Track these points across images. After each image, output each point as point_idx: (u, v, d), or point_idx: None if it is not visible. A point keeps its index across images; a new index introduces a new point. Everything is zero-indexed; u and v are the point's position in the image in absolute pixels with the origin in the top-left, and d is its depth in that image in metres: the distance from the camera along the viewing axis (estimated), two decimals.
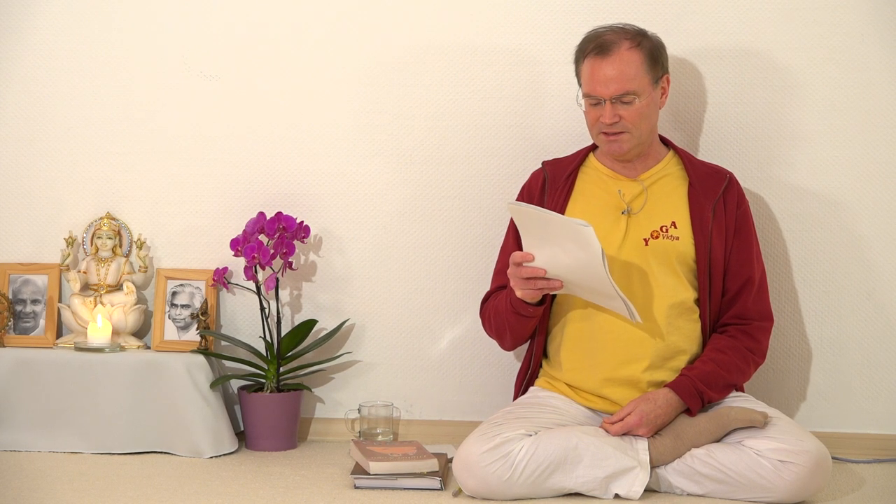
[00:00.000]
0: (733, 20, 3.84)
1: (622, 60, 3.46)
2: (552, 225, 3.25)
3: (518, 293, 3.38)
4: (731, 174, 3.59)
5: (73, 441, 3.78)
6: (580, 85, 3.56)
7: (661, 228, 3.46)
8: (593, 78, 3.48)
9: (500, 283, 3.62)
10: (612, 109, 3.46)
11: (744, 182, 3.74)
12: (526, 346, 3.65)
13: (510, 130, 3.92)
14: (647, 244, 3.44)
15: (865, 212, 3.80)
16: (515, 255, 3.34)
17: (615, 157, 3.55)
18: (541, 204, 3.58)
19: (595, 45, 3.50)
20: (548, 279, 3.32)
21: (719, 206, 3.49)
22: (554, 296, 3.55)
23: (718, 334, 3.49)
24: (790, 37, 3.82)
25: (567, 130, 3.82)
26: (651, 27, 3.58)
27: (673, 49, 3.72)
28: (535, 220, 3.29)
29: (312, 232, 3.96)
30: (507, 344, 3.59)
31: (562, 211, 3.56)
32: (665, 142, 3.66)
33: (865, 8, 3.78)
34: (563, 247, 3.26)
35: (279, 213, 3.88)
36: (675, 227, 3.46)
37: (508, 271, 3.37)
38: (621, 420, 3.33)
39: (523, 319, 3.45)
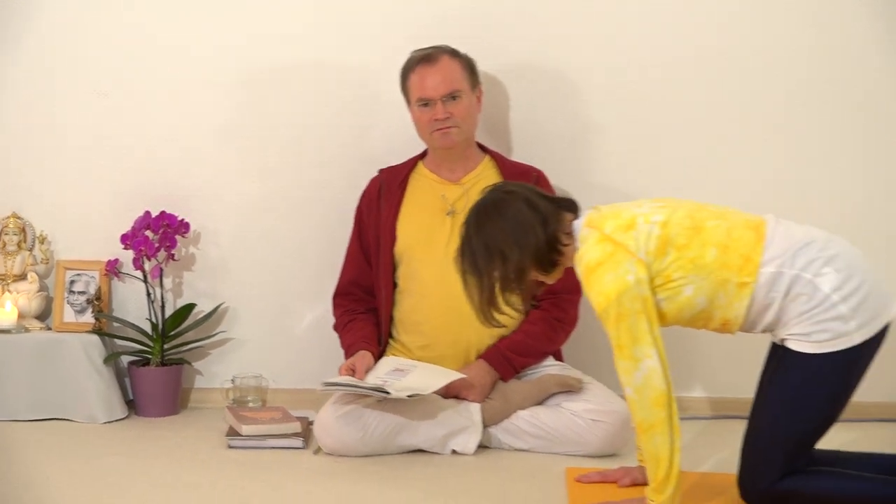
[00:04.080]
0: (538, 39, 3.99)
1: (446, 66, 3.66)
2: (363, 390, 3.40)
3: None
4: (539, 172, 3.73)
5: None
6: (408, 99, 3.70)
7: None
8: (423, 83, 3.63)
9: (350, 275, 3.80)
10: (444, 107, 3.62)
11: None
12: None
13: (358, 140, 4.06)
14: None
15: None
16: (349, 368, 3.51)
17: (447, 148, 3.66)
18: (377, 208, 3.72)
19: (421, 57, 3.67)
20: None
21: None
22: (395, 285, 3.72)
23: (533, 308, 3.63)
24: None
25: (402, 136, 3.89)
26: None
27: (493, 67, 3.93)
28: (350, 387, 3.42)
29: (192, 228, 4.08)
30: None
31: (395, 215, 3.69)
32: (482, 148, 3.80)
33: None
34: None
35: (163, 212, 4.01)
36: None
37: (344, 366, 3.53)
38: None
39: None
